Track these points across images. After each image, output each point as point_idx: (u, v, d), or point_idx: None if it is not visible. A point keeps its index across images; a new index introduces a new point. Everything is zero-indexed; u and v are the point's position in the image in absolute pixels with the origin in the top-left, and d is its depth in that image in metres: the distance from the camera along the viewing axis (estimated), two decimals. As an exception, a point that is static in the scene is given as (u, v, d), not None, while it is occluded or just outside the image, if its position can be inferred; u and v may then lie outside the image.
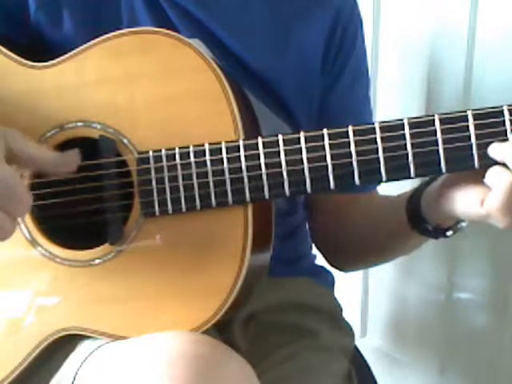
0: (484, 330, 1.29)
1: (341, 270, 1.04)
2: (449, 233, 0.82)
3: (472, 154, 0.71)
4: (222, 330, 0.81)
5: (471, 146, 0.71)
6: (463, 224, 0.81)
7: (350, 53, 0.95)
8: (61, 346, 0.79)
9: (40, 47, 0.85)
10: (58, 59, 0.79)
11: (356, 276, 1.42)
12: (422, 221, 0.82)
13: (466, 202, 0.74)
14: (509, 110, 0.70)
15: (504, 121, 0.70)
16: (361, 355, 1.06)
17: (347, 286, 1.27)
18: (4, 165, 0.67)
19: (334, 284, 1.06)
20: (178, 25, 0.86)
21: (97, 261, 0.78)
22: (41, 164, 0.72)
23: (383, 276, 1.41)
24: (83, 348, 0.78)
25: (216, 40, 0.87)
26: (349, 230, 0.97)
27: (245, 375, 0.70)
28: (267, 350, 0.89)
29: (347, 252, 1.00)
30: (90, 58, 0.79)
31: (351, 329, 1.02)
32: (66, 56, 0.79)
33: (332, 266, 1.04)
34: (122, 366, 0.71)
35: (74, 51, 0.79)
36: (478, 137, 0.71)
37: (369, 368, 1.06)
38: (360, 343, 1.06)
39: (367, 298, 1.47)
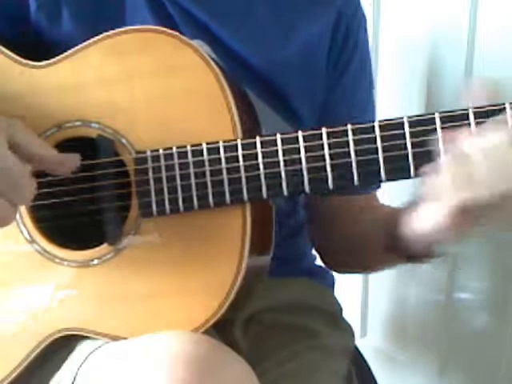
0: (484, 330, 1.29)
1: (335, 271, 1.04)
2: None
3: None
4: (222, 330, 0.81)
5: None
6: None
7: (353, 50, 0.94)
8: (60, 347, 0.79)
9: (40, 46, 0.84)
10: (56, 58, 0.79)
11: (356, 276, 1.42)
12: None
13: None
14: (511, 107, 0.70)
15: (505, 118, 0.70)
16: (361, 355, 1.06)
17: (347, 286, 1.27)
18: (7, 152, 0.67)
19: (334, 284, 1.06)
20: (180, 26, 0.85)
21: (95, 261, 0.77)
22: (41, 160, 0.72)
23: (383, 276, 1.40)
24: (83, 348, 0.78)
25: (218, 42, 0.87)
26: (343, 236, 0.96)
27: (245, 376, 0.70)
28: (267, 351, 0.89)
29: (343, 259, 1.00)
30: (90, 56, 0.78)
31: (351, 329, 1.01)
32: (65, 54, 0.79)
33: (327, 266, 1.04)
34: (122, 366, 0.71)
35: (72, 49, 0.79)
36: None
37: (369, 368, 1.06)
38: (360, 343, 1.06)
39: (367, 298, 1.47)
